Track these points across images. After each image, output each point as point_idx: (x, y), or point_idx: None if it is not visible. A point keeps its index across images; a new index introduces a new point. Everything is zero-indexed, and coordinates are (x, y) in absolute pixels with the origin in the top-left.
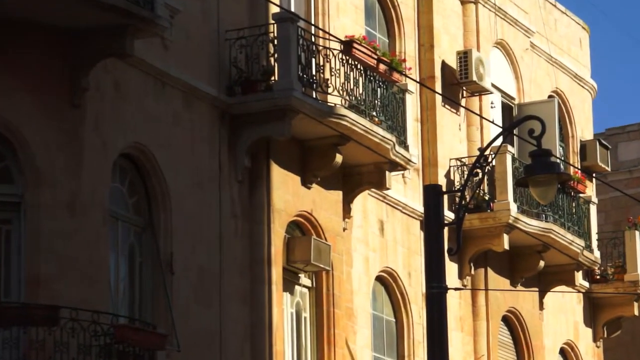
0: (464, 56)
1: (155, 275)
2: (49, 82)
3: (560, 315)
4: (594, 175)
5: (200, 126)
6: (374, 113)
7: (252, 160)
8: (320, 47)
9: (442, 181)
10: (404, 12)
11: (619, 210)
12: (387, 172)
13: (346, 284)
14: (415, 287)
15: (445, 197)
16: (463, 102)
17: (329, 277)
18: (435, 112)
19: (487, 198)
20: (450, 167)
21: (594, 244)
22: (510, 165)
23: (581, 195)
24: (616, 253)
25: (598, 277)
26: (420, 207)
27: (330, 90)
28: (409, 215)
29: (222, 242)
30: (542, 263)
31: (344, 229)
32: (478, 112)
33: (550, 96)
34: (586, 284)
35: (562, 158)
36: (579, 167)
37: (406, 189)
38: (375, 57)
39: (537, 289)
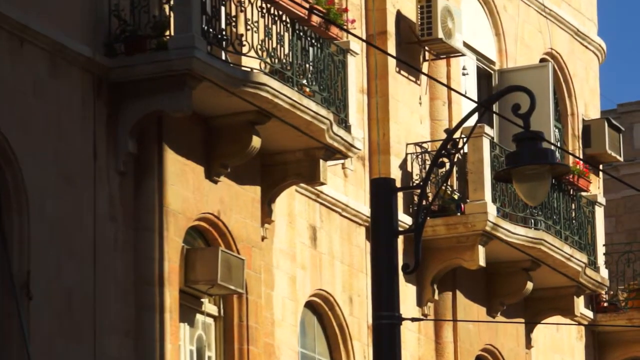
0: (427, 5)
1: (6, 300)
2: None
3: (554, 356)
4: (601, 167)
5: (69, 98)
6: (305, 81)
7: (139, 145)
8: None
9: (395, 174)
10: None
11: (634, 214)
12: (321, 162)
13: (265, 312)
14: (358, 316)
15: (400, 195)
16: (425, 67)
17: (242, 302)
18: (388, 80)
19: (456, 197)
20: (407, 154)
21: (600, 259)
22: (488, 152)
23: (583, 194)
24: (630, 272)
25: (605, 304)
26: (366, 209)
27: (245, 49)
28: (350, 219)
29: (97, 256)
30: (529, 285)
31: (263, 238)
32: (445, 82)
33: (542, 60)
34: (589, 314)
35: (558, 143)
36: (581, 157)
37: (347, 184)
38: (307, 5)
39: (523, 320)
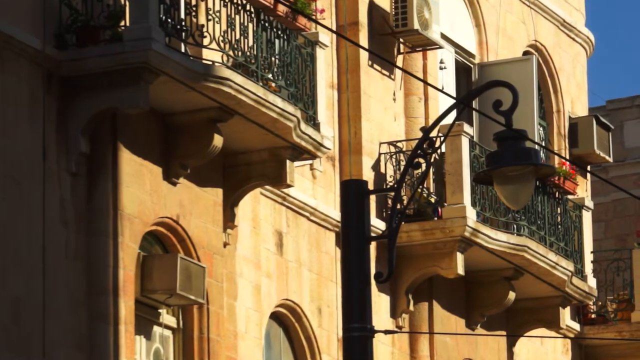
0: None
1: None
2: None
3: None
4: (588, 168)
5: (16, 93)
6: (270, 76)
7: (92, 143)
8: None
9: (368, 175)
10: None
11: (624, 219)
12: (288, 162)
13: (228, 324)
14: (328, 328)
15: (373, 198)
16: (399, 60)
17: (203, 313)
18: (359, 75)
19: (433, 200)
20: (380, 154)
21: (588, 267)
22: (468, 152)
23: (570, 197)
24: (620, 281)
25: (594, 316)
26: (336, 213)
27: (206, 41)
28: (319, 224)
29: (46, 263)
30: (512, 295)
31: (226, 244)
32: (421, 76)
33: (526, 53)
34: (576, 327)
35: (543, 143)
36: (567, 157)
37: (316, 186)
38: None
39: (504, 333)
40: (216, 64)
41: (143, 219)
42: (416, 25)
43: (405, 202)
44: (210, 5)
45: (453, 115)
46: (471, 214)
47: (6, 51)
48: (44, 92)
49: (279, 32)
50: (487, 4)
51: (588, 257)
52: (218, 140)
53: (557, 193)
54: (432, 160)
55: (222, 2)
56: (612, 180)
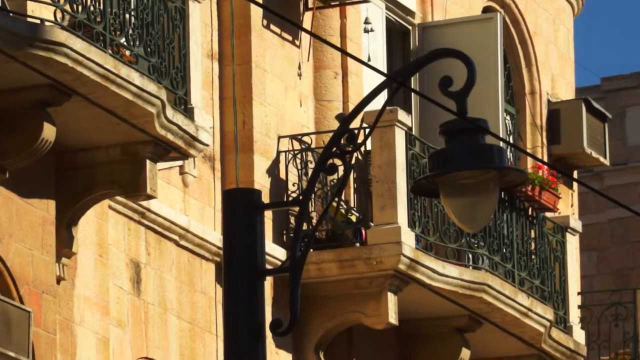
0: None
1: None
2: None
3: None
4: (575, 174)
5: None
6: (123, 40)
7: None
8: None
9: (262, 183)
10: None
11: (625, 247)
12: (148, 164)
13: None
14: None
15: (269, 215)
16: (307, 20)
17: None
18: (250, 39)
19: (354, 219)
20: (279, 153)
21: (574, 315)
22: (404, 151)
23: (549, 215)
24: (619, 335)
25: None
26: (216, 236)
27: None
28: (193, 252)
29: None
30: (466, 353)
31: (60, 280)
32: (338, 43)
33: (487, 10)
34: None
35: (511, 138)
36: (545, 158)
37: (188, 197)
38: None
39: None
40: (47, 23)
41: None
42: None
43: (314, 221)
44: None
45: (383, 97)
46: (408, 238)
47: None
48: None
49: None
50: None
51: (574, 301)
52: (49, 132)
53: (530, 209)
54: (353, 161)
55: None
56: (608, 191)
